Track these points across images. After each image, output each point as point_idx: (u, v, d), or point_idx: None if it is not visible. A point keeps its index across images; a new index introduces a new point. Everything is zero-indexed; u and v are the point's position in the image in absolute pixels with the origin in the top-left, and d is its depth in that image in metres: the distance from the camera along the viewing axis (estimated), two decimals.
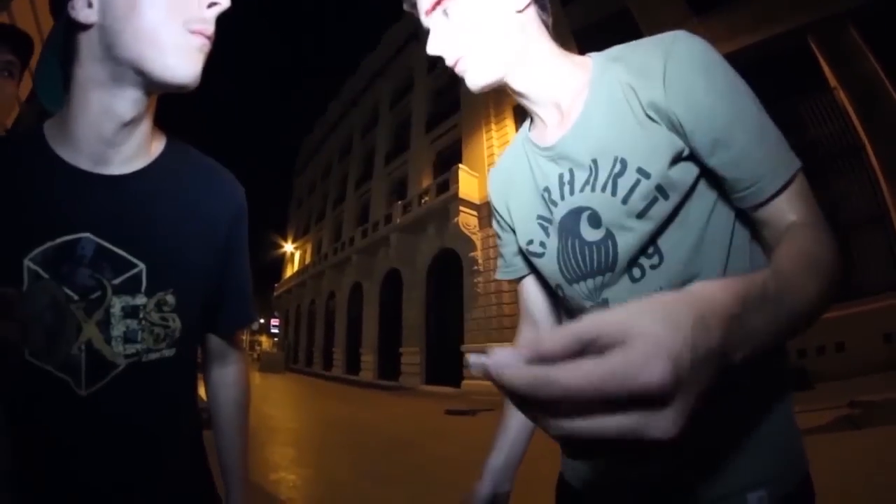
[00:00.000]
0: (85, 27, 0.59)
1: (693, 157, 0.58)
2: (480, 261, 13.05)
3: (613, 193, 0.61)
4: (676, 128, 0.58)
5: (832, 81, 7.94)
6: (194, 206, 0.71)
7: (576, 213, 0.65)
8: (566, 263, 0.68)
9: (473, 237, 13.17)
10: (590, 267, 0.65)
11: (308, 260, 27.92)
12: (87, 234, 0.61)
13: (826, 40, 7.89)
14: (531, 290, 0.84)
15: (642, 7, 11.42)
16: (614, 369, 0.25)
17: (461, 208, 12.99)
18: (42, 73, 0.65)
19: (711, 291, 0.33)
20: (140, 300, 0.64)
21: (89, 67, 0.60)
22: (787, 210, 0.55)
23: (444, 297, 14.76)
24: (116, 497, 0.65)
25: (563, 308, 0.79)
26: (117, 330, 0.63)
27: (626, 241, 0.61)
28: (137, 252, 0.64)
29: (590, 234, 0.64)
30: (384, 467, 4.47)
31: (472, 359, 0.29)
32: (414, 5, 0.70)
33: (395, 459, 4.85)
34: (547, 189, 0.69)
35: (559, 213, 0.67)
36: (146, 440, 0.68)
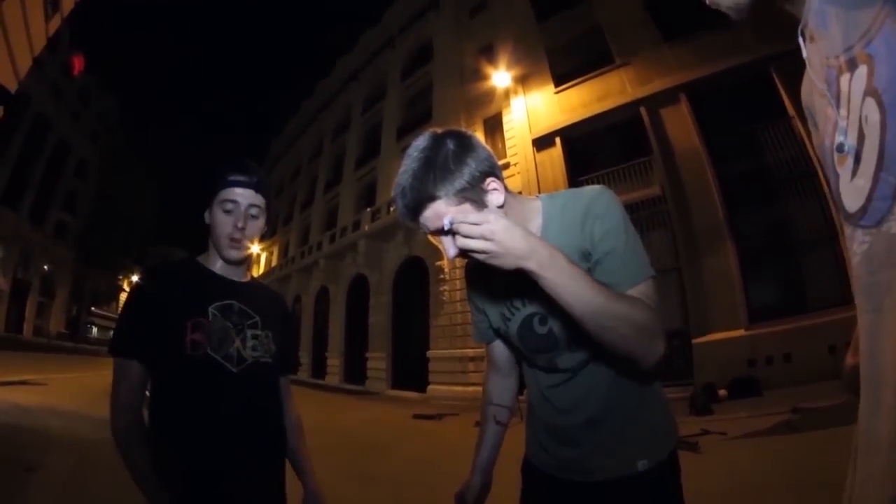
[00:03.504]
0: (208, 224, 1.25)
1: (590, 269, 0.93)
2: (446, 270, 13.35)
3: None
4: (585, 256, 0.95)
5: (791, 111, 8.47)
6: (268, 298, 1.37)
7: (529, 317, 1.06)
8: (524, 343, 1.09)
9: (440, 247, 13.37)
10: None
11: (275, 262, 27.70)
12: (234, 301, 1.23)
13: (787, 72, 8.25)
14: (496, 348, 1.22)
15: (615, 31, 11.66)
16: (484, 227, 0.77)
17: None
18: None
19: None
20: (259, 332, 1.25)
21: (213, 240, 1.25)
22: (634, 294, 0.90)
23: (410, 303, 15.02)
24: (251, 434, 1.17)
25: (523, 358, 1.18)
26: (249, 343, 1.22)
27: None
28: (255, 311, 1.26)
29: (539, 329, 1.05)
30: (363, 468, 4.83)
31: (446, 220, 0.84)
32: (416, 222, 0.96)
33: (372, 461, 5.22)
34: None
35: (520, 315, 1.04)
36: (266, 400, 1.26)
